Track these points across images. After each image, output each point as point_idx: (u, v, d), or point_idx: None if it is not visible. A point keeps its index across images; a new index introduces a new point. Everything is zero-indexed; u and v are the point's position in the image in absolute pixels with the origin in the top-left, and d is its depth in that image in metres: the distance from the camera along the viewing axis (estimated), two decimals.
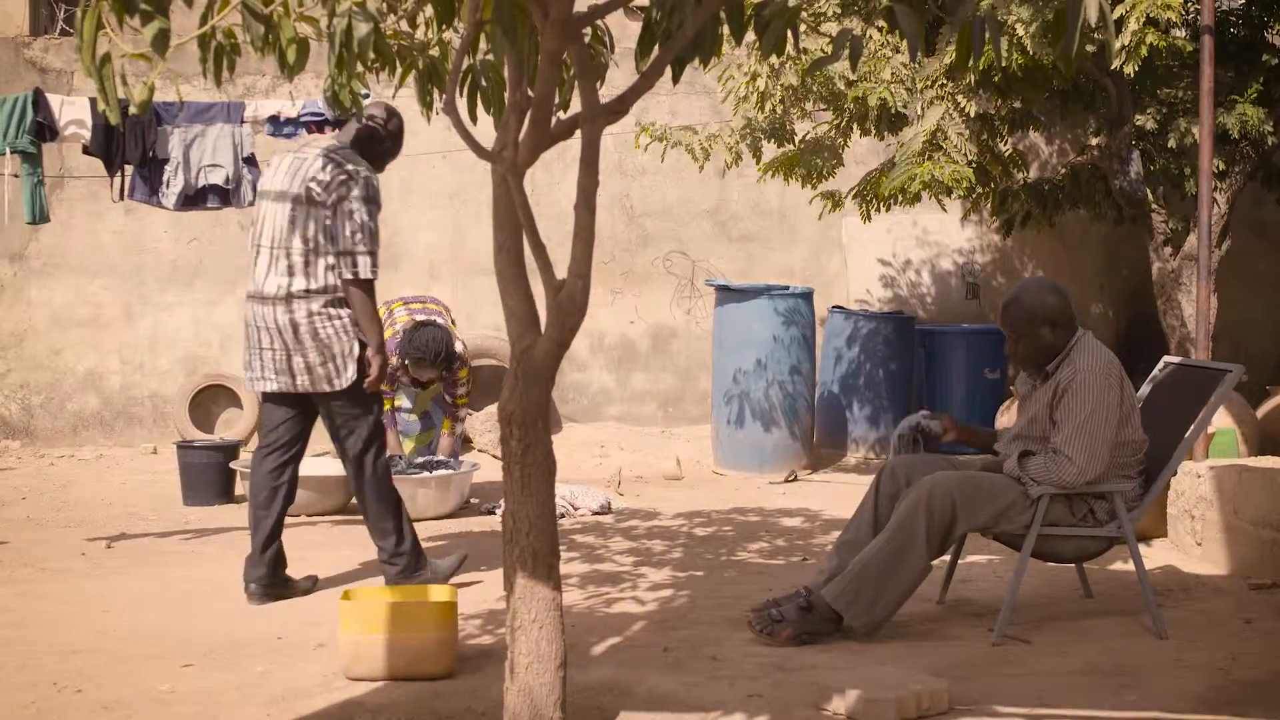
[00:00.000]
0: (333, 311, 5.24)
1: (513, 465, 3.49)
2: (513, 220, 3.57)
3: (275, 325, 5.25)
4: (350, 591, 4.36)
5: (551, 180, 10.32)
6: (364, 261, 5.19)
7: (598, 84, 3.87)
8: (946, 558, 5.12)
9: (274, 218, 5.30)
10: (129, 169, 7.38)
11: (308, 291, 5.22)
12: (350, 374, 5.24)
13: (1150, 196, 8.56)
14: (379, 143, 5.52)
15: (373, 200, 5.25)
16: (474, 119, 3.95)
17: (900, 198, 8.14)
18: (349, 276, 5.19)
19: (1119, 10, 7.01)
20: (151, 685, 4.11)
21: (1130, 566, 4.79)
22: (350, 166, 5.26)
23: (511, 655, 3.47)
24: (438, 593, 4.45)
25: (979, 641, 4.61)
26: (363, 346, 5.25)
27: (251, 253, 5.38)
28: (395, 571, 5.30)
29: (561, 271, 3.46)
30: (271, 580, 5.36)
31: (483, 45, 3.72)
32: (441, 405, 8.10)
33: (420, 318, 7.84)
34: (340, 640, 4.20)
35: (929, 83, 7.96)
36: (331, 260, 5.22)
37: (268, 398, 5.45)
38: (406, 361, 7.63)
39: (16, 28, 10.57)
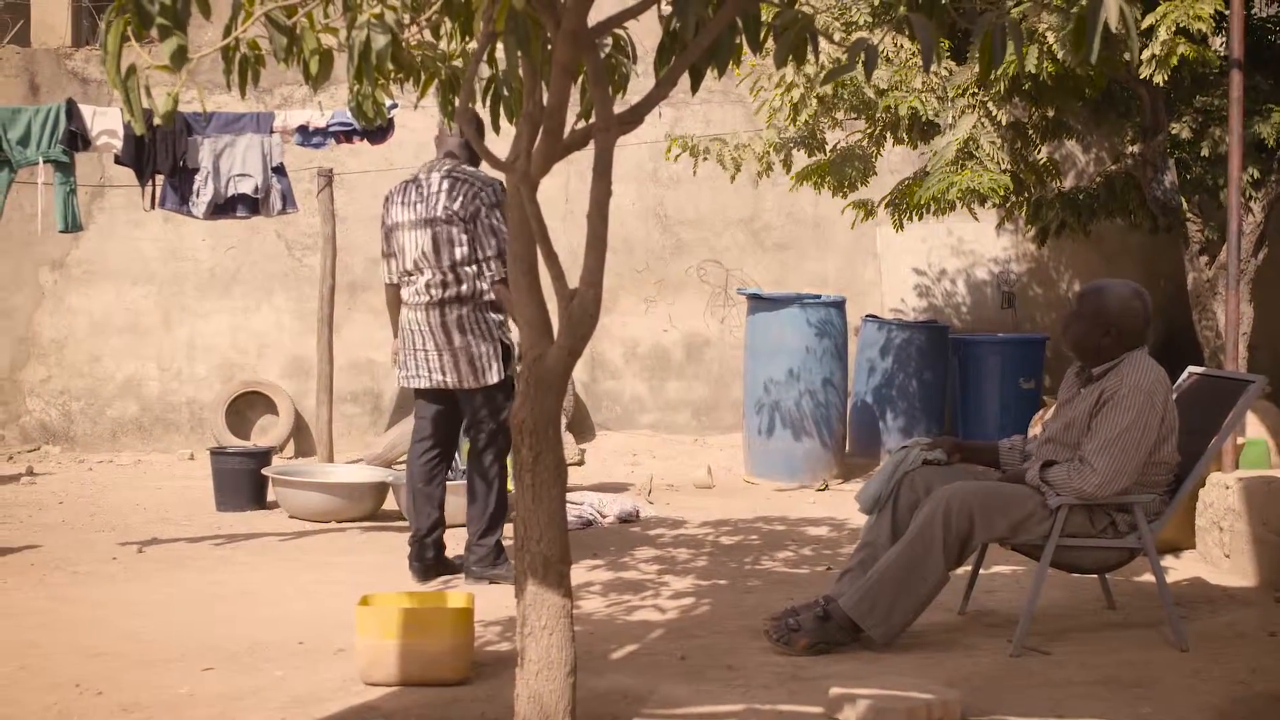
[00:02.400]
0: (479, 315, 5.71)
1: (524, 473, 3.51)
2: (526, 230, 3.60)
3: (428, 327, 5.74)
4: (368, 597, 4.40)
5: (586, 188, 10.33)
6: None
7: (620, 94, 3.91)
8: (969, 567, 5.11)
9: (416, 242, 5.75)
10: (160, 178, 7.49)
11: (459, 297, 5.71)
12: (493, 375, 5.71)
13: (1185, 205, 8.49)
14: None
15: (502, 204, 5.68)
16: (496, 129, 3.99)
17: (934, 206, 8.11)
18: (501, 278, 5.63)
19: (1149, 19, 6.96)
20: (171, 688, 4.17)
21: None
22: (476, 181, 5.75)
23: (521, 661, 3.49)
24: (454, 599, 4.48)
25: (997, 652, 4.59)
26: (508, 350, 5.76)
27: (404, 278, 5.84)
28: (473, 560, 5.72)
29: (574, 281, 3.49)
30: (434, 563, 5.88)
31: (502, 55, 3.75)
32: None
33: None
34: (357, 645, 4.24)
35: (960, 91, 7.94)
36: (478, 268, 5.68)
37: (419, 394, 5.94)
38: None
39: (59, 39, 10.73)
